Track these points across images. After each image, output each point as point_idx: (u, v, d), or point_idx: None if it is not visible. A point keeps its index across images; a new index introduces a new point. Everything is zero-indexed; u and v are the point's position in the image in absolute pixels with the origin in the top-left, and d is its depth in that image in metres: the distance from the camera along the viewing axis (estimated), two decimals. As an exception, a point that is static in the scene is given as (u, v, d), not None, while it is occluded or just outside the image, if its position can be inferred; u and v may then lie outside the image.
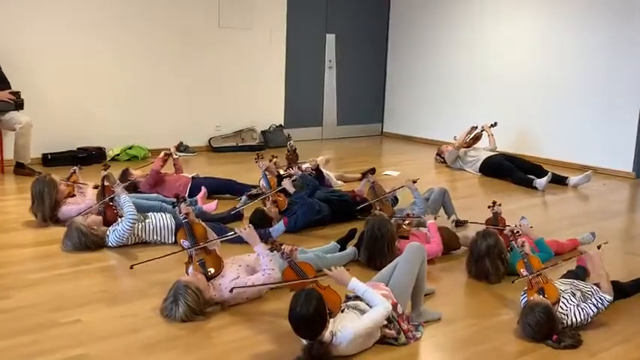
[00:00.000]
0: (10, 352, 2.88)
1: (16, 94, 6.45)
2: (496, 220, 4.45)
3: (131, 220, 4.30)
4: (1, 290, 3.60)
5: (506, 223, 4.40)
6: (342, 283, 3.02)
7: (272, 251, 3.37)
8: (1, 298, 3.49)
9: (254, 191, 5.42)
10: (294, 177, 5.14)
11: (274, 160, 5.44)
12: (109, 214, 4.58)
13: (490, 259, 3.90)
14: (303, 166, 5.71)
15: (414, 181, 5.00)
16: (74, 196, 5.06)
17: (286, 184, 4.97)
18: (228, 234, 3.77)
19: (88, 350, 2.93)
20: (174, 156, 5.89)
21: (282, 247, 3.31)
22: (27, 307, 3.39)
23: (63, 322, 3.21)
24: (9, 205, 5.34)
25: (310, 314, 2.71)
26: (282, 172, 5.46)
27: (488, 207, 4.53)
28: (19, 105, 6.43)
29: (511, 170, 7.07)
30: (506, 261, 3.95)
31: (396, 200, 5.44)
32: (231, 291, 3.39)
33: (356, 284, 3.01)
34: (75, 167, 5.25)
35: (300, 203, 4.86)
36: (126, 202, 4.37)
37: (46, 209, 4.74)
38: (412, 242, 3.47)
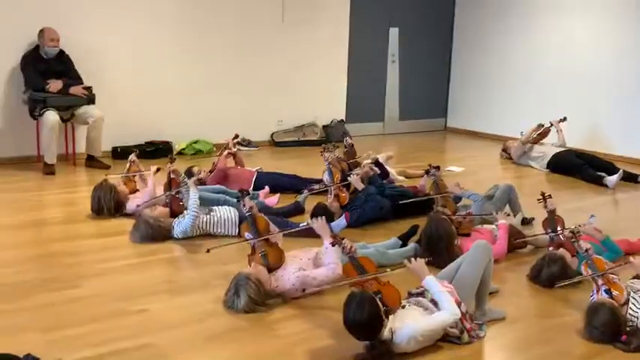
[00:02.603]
0: (79, 340, 2.96)
1: (89, 89, 6.65)
2: (553, 221, 4.17)
3: (193, 215, 4.42)
4: (72, 279, 3.72)
5: (564, 225, 4.16)
6: (420, 276, 3.00)
7: (333, 246, 3.36)
8: (72, 287, 3.60)
9: (317, 186, 5.44)
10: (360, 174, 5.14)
11: (335, 151, 5.44)
12: (175, 206, 4.69)
13: (552, 284, 3.74)
14: (364, 162, 5.69)
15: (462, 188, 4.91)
16: (137, 190, 5.20)
17: (355, 180, 4.96)
18: (300, 225, 3.83)
19: (154, 339, 3.00)
20: (233, 149, 5.97)
21: (344, 241, 3.30)
22: (95, 295, 3.49)
23: (130, 311, 3.29)
24: (80, 197, 5.51)
25: (365, 319, 2.70)
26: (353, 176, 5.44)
27: (538, 200, 4.30)
28: (91, 100, 6.63)
29: (581, 167, 6.85)
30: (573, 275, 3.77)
31: (459, 197, 5.35)
32: (303, 290, 3.42)
33: (431, 282, 2.98)
34: (131, 155, 5.40)
35: (366, 199, 4.86)
36: (192, 196, 4.46)
37: (107, 213, 4.90)
38: (479, 240, 3.40)
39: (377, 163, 5.80)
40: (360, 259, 3.23)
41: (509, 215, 4.68)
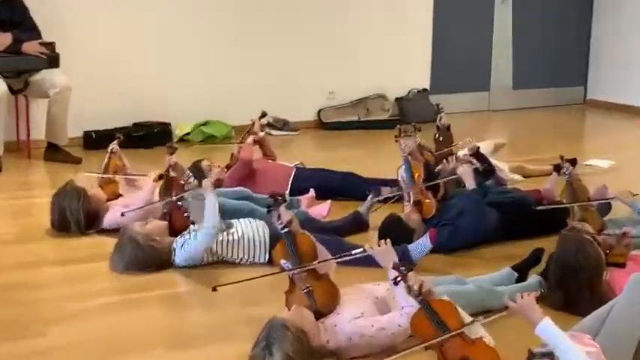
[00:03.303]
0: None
1: (50, 45, 6.73)
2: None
3: (210, 232, 4.42)
4: (34, 323, 3.80)
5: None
6: (530, 320, 2.95)
7: (396, 284, 3.34)
8: (35, 334, 3.67)
9: (387, 190, 5.44)
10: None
11: (417, 136, 5.46)
12: (178, 219, 4.73)
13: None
14: (459, 153, 5.70)
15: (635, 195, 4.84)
16: (120, 196, 5.30)
17: (465, 172, 4.96)
18: (353, 251, 3.76)
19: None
20: (260, 133, 6.03)
21: (409, 277, 3.24)
22: (65, 348, 3.55)
23: (112, 372, 3.39)
24: (38, 204, 5.59)
25: None
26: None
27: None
28: (53, 60, 6.69)
29: None
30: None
31: (607, 207, 5.26)
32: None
33: (549, 329, 2.88)
34: (112, 144, 5.46)
35: (463, 208, 4.86)
36: (209, 205, 4.46)
37: (75, 229, 4.99)
38: (638, 274, 3.33)
39: (478, 154, 5.73)
40: (436, 305, 3.17)
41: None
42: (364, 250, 3.67)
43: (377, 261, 3.62)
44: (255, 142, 5.99)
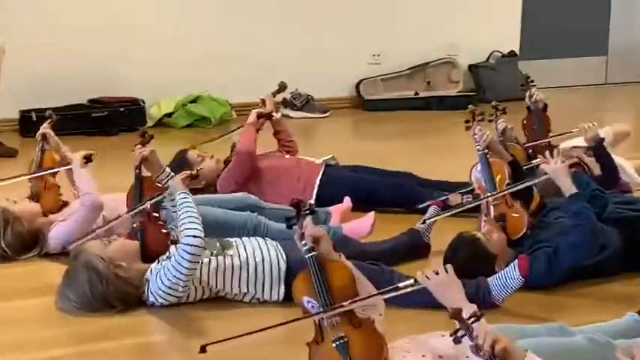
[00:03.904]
0: None
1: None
2: None
3: (193, 249, 4.39)
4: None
5: None
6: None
7: (456, 341, 3.23)
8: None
9: (455, 198, 5.50)
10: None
11: (499, 120, 5.51)
12: (152, 235, 4.78)
13: None
14: (565, 145, 5.77)
15: None
16: (65, 204, 5.38)
17: (556, 170, 4.86)
18: (400, 284, 3.75)
19: None
20: (275, 114, 6.09)
21: (478, 330, 3.13)
22: None
23: None
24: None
25: None
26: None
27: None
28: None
29: None
30: None
31: None
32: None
33: None
34: (43, 128, 5.52)
35: (568, 224, 4.83)
36: (185, 208, 4.49)
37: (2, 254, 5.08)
38: None
39: (600, 148, 5.70)
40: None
41: None
42: (415, 282, 3.65)
43: (436, 297, 3.60)
44: (261, 118, 5.98)
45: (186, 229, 4.42)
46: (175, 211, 4.64)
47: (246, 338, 3.78)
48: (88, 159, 5.27)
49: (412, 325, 3.94)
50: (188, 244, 4.38)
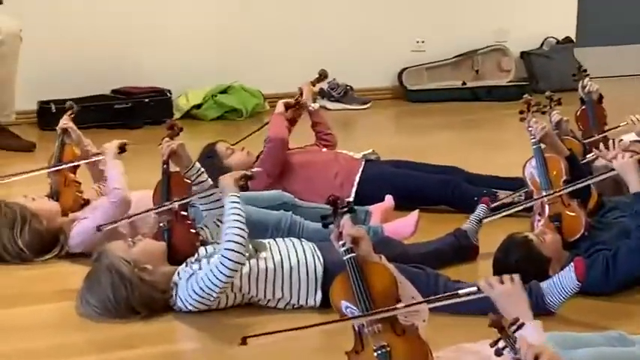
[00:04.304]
0: None
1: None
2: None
3: (233, 265, 4.32)
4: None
5: None
6: None
7: (497, 353, 3.09)
8: None
9: (506, 196, 5.44)
10: None
11: (554, 112, 5.51)
12: (179, 235, 4.71)
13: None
14: (625, 138, 5.74)
15: None
16: (87, 202, 5.30)
17: (624, 165, 4.75)
18: (460, 291, 3.72)
19: None
20: (311, 106, 6.03)
21: (521, 341, 3.06)
22: None
23: None
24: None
25: None
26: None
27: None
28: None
29: None
30: None
31: None
32: None
33: None
34: (63, 122, 5.46)
35: (630, 224, 4.71)
36: (233, 215, 4.40)
37: (16, 258, 5.01)
38: None
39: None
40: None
41: None
42: (478, 290, 3.56)
43: (498, 308, 3.49)
44: (290, 108, 5.91)
45: (229, 240, 4.35)
46: (205, 210, 4.67)
47: (283, 345, 3.87)
48: (122, 149, 5.25)
49: (459, 333, 3.93)
50: (228, 259, 4.33)
